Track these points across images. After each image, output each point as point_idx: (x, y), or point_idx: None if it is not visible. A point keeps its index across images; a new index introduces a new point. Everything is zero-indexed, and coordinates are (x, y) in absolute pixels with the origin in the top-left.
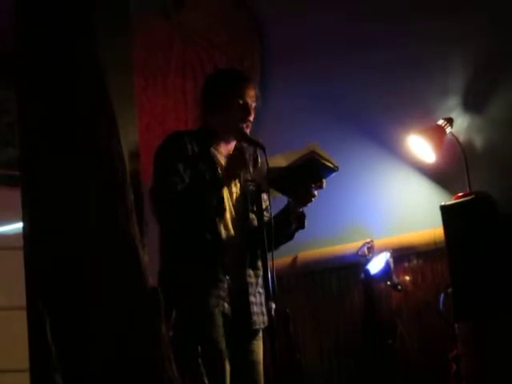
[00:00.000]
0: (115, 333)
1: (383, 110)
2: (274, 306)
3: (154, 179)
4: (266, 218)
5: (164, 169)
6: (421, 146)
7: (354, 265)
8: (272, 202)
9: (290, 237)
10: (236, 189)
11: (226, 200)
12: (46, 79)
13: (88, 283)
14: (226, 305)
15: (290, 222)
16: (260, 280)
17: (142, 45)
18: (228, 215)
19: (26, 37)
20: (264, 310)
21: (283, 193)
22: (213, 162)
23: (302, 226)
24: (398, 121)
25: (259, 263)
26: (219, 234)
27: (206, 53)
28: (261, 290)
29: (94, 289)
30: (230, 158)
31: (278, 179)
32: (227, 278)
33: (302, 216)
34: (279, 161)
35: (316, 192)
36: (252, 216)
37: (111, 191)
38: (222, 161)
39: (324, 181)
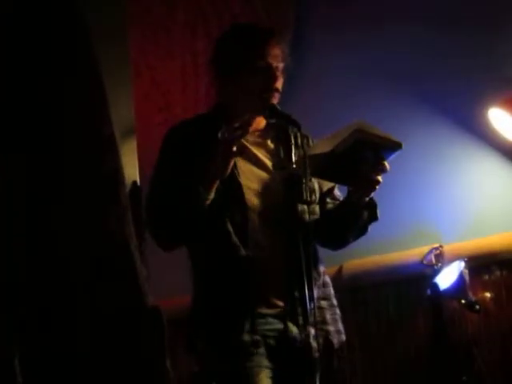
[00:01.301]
0: (104, 370)
1: (456, 78)
2: (313, 332)
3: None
4: (329, 206)
5: (157, 174)
6: (505, 122)
7: (418, 277)
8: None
9: (362, 229)
10: (272, 176)
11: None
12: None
13: (66, 302)
14: (271, 331)
15: (356, 213)
16: (321, 290)
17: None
18: (259, 209)
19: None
20: (332, 328)
21: (335, 182)
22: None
23: (374, 217)
24: (474, 91)
25: (318, 267)
26: (242, 242)
27: (222, 1)
28: (323, 304)
29: (74, 308)
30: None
31: (323, 168)
32: (269, 293)
33: (372, 205)
34: (321, 146)
35: (379, 177)
36: (303, 208)
37: (99, 184)
38: (252, 147)
39: (385, 163)
